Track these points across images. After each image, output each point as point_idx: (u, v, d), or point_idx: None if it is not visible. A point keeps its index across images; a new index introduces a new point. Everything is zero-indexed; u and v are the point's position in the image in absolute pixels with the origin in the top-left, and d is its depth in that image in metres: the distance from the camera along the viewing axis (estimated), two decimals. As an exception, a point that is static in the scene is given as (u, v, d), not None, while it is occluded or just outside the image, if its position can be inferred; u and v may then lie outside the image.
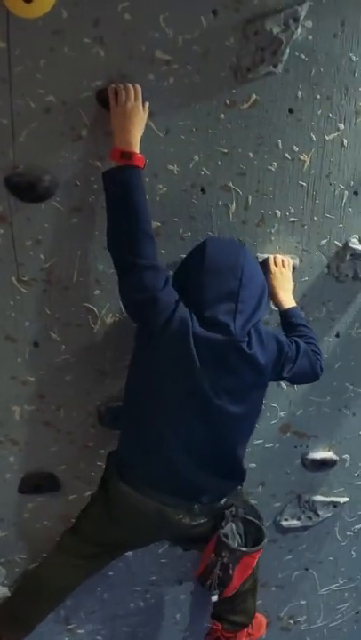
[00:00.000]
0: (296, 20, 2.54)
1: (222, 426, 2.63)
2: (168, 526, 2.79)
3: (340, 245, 3.04)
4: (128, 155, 2.47)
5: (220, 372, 2.55)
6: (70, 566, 2.97)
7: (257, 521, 2.90)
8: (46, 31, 2.42)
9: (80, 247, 2.78)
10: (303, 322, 2.93)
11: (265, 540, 2.84)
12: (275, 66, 2.61)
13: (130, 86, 2.48)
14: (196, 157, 2.73)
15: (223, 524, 2.79)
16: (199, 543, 2.91)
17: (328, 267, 3.07)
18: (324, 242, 3.02)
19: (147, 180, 2.68)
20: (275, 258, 2.92)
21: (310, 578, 3.75)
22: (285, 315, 2.91)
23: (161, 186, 2.74)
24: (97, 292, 2.87)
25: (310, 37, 2.62)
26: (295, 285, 3.01)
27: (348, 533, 3.70)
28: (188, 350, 2.49)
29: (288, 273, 2.93)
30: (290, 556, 3.63)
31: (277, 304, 2.93)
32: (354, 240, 3.04)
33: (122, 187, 2.47)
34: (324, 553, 3.70)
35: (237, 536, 2.80)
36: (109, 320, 2.93)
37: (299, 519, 3.53)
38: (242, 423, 2.72)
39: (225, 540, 2.75)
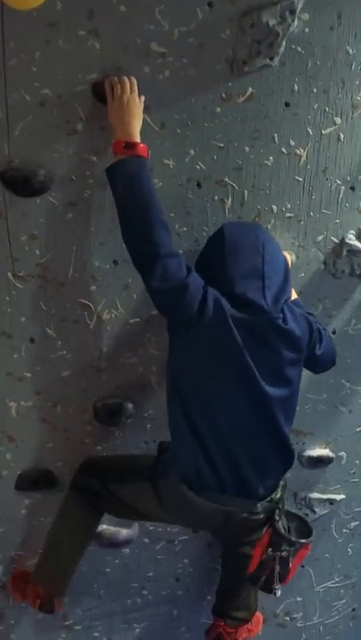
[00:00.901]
0: (293, 12, 2.53)
1: (270, 405, 2.61)
2: (229, 525, 2.78)
3: (336, 241, 3.03)
4: (131, 145, 2.46)
5: (260, 352, 2.53)
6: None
7: (298, 514, 2.95)
8: (41, 23, 2.41)
9: (76, 242, 2.77)
10: (310, 311, 2.92)
11: (313, 532, 2.87)
12: (271, 59, 2.61)
13: (125, 79, 2.48)
14: (192, 151, 2.72)
15: (277, 518, 2.78)
16: (237, 537, 2.91)
17: (325, 263, 3.06)
18: (320, 238, 3.01)
19: (143, 174, 2.69)
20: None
21: (307, 575, 3.73)
22: None
23: (156, 180, 2.71)
24: (93, 287, 2.85)
25: (307, 30, 2.62)
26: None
27: (345, 530, 3.69)
28: (229, 332, 2.47)
29: (288, 267, 2.93)
30: (286, 553, 3.62)
31: None
32: (350, 236, 3.03)
33: (130, 178, 2.46)
34: (320, 550, 3.69)
35: (283, 530, 2.80)
36: (105, 316, 2.92)
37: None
38: (286, 402, 2.69)
39: (284, 533, 2.76)
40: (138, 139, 2.49)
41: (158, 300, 2.53)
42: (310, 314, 2.89)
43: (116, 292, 2.88)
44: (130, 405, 3.05)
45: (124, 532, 3.30)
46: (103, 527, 3.27)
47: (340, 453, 3.46)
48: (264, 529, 2.79)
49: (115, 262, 2.80)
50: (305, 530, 2.86)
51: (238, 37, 2.57)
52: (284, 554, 2.78)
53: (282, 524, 2.78)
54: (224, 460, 2.64)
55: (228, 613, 3.13)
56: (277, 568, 2.80)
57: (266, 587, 2.86)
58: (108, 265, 2.81)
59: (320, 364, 2.92)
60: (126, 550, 3.39)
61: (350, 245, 3.00)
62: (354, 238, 3.03)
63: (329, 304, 3.14)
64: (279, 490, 2.84)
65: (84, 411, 3.07)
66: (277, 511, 2.78)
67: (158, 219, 2.45)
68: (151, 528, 3.37)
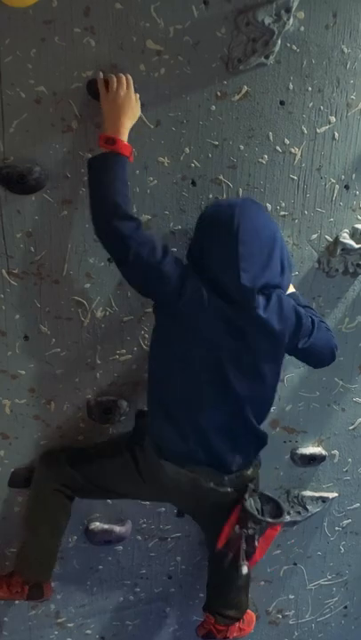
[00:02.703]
0: (288, 10, 2.54)
1: (238, 399, 2.63)
2: (197, 493, 2.79)
3: (330, 240, 3.03)
4: (112, 140, 2.45)
5: (234, 343, 2.54)
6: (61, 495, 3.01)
7: (274, 497, 2.89)
8: (37, 20, 2.42)
9: (70, 240, 2.77)
10: (307, 303, 2.89)
11: (284, 514, 2.82)
12: (266, 57, 2.61)
13: (121, 75, 2.48)
14: (187, 149, 2.72)
15: (247, 496, 2.77)
16: (209, 515, 2.90)
17: (319, 261, 3.06)
18: (314, 236, 3.01)
19: (137, 172, 2.70)
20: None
21: (299, 572, 3.75)
22: None
23: (151, 178, 2.73)
24: (87, 285, 2.86)
25: (302, 29, 2.62)
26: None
27: (337, 528, 3.70)
28: (205, 317, 2.49)
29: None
30: (279, 551, 3.63)
31: None
32: (345, 234, 3.03)
33: (103, 172, 2.46)
34: (312, 548, 3.71)
35: (255, 511, 2.78)
36: (99, 314, 2.92)
37: (288, 514, 3.52)
38: (257, 397, 2.70)
39: (251, 510, 2.74)
40: (122, 136, 2.47)
41: (134, 287, 2.58)
42: (309, 307, 2.85)
43: (111, 289, 2.88)
44: (124, 403, 3.06)
45: (116, 530, 3.31)
46: (96, 524, 3.29)
47: (333, 451, 3.47)
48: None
49: (109, 260, 2.80)
50: (278, 512, 2.84)
51: (234, 35, 2.57)
52: (250, 531, 2.76)
53: (253, 504, 2.78)
54: (196, 437, 2.68)
55: (217, 611, 3.14)
56: (243, 546, 2.78)
57: (232, 564, 2.85)
58: (103, 262, 2.81)
59: (310, 357, 2.85)
60: (119, 547, 3.40)
61: (344, 244, 3.00)
62: (348, 237, 3.03)
63: (323, 302, 3.14)
64: (251, 468, 2.85)
65: (77, 408, 3.08)
66: (248, 489, 2.79)
67: (126, 214, 2.44)
68: (144, 526, 3.39)
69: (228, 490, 2.79)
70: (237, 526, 2.77)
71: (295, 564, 3.71)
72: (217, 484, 2.76)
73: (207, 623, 3.13)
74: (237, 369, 2.59)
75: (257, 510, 2.78)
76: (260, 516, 2.75)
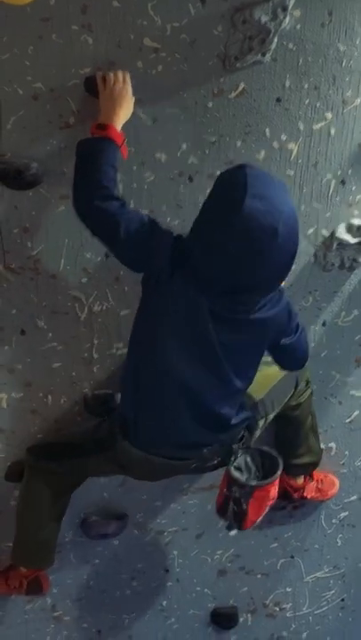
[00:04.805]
0: (285, 8, 2.54)
1: (224, 377, 2.56)
2: (181, 472, 2.83)
3: (327, 235, 3.04)
4: (104, 126, 2.42)
5: (221, 325, 2.45)
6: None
7: (272, 452, 2.83)
8: (34, 18, 2.42)
9: (67, 235, 2.78)
10: (294, 309, 2.83)
11: (278, 472, 2.74)
12: (263, 55, 2.61)
13: (118, 71, 2.48)
14: (184, 146, 2.73)
15: (233, 458, 2.75)
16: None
17: (315, 256, 3.07)
18: (311, 231, 3.02)
19: (134, 168, 2.71)
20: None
21: (296, 565, 3.76)
22: None
23: (148, 174, 2.74)
24: (84, 280, 2.87)
25: (298, 27, 2.63)
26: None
27: (334, 521, 3.71)
28: (194, 297, 2.39)
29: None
30: (275, 544, 3.65)
31: None
32: (341, 229, 3.03)
33: (91, 154, 2.42)
34: (309, 541, 3.72)
35: (254, 468, 2.76)
36: (96, 308, 2.93)
37: (283, 508, 3.54)
38: (235, 380, 2.60)
39: (234, 475, 2.71)
40: (115, 124, 2.43)
41: (126, 264, 2.50)
42: (294, 312, 2.74)
43: (107, 284, 2.89)
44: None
45: (113, 524, 3.32)
46: (93, 518, 3.30)
47: (330, 444, 3.49)
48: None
49: (106, 255, 2.81)
50: (275, 467, 2.77)
51: (230, 33, 2.57)
52: (236, 494, 2.74)
53: (249, 462, 2.76)
54: (171, 421, 2.61)
55: (289, 462, 3.14)
56: (234, 508, 2.75)
57: (229, 525, 2.85)
58: (100, 257, 2.82)
59: (287, 356, 2.78)
60: (116, 541, 3.42)
61: (340, 239, 3.01)
62: (344, 232, 3.03)
63: (319, 296, 3.16)
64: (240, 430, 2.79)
65: (74, 402, 3.09)
66: (234, 451, 2.76)
67: (111, 195, 2.38)
68: (141, 520, 3.41)
69: (216, 461, 2.77)
70: (225, 489, 2.77)
71: (292, 556, 3.72)
72: (199, 460, 2.73)
73: (281, 481, 3.08)
74: (226, 357, 2.50)
75: (256, 467, 2.76)
76: (242, 481, 2.71)
